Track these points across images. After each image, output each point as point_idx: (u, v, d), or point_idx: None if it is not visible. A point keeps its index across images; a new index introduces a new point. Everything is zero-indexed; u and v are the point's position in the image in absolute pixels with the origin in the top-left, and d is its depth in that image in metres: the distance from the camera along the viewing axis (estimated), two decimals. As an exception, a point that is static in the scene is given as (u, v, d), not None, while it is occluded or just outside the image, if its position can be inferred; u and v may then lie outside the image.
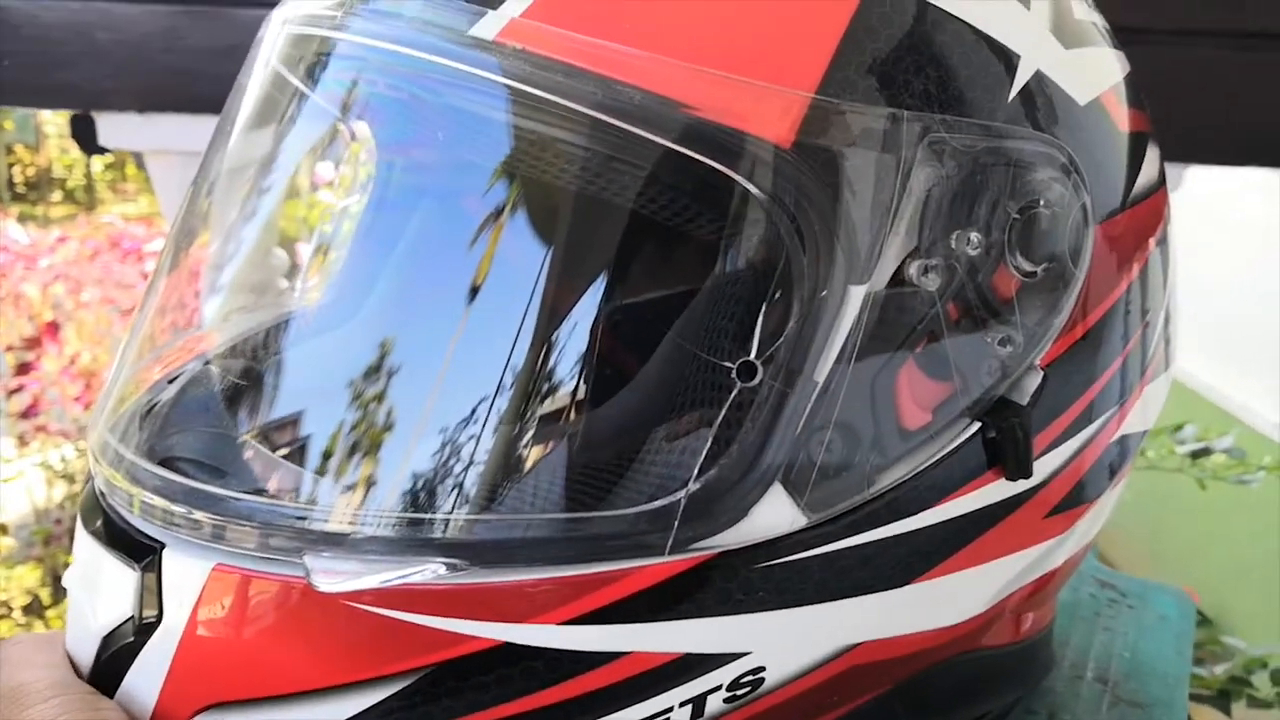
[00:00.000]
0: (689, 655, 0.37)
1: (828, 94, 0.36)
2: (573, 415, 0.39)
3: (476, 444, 0.38)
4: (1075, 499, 0.44)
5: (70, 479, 2.68)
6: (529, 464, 0.38)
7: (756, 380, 0.36)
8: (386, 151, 0.46)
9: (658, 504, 0.36)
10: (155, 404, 0.46)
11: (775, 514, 0.37)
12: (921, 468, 0.39)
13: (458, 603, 0.36)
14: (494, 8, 0.37)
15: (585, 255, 0.40)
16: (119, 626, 0.40)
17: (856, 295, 0.36)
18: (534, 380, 0.38)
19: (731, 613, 0.37)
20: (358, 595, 0.36)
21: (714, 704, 0.38)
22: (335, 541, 0.37)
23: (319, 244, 0.51)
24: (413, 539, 0.37)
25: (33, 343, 2.90)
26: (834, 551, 0.38)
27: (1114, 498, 0.48)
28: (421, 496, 0.38)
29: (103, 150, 1.07)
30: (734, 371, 0.36)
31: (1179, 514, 1.94)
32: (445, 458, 0.38)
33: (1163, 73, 0.93)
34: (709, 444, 0.36)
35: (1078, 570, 0.67)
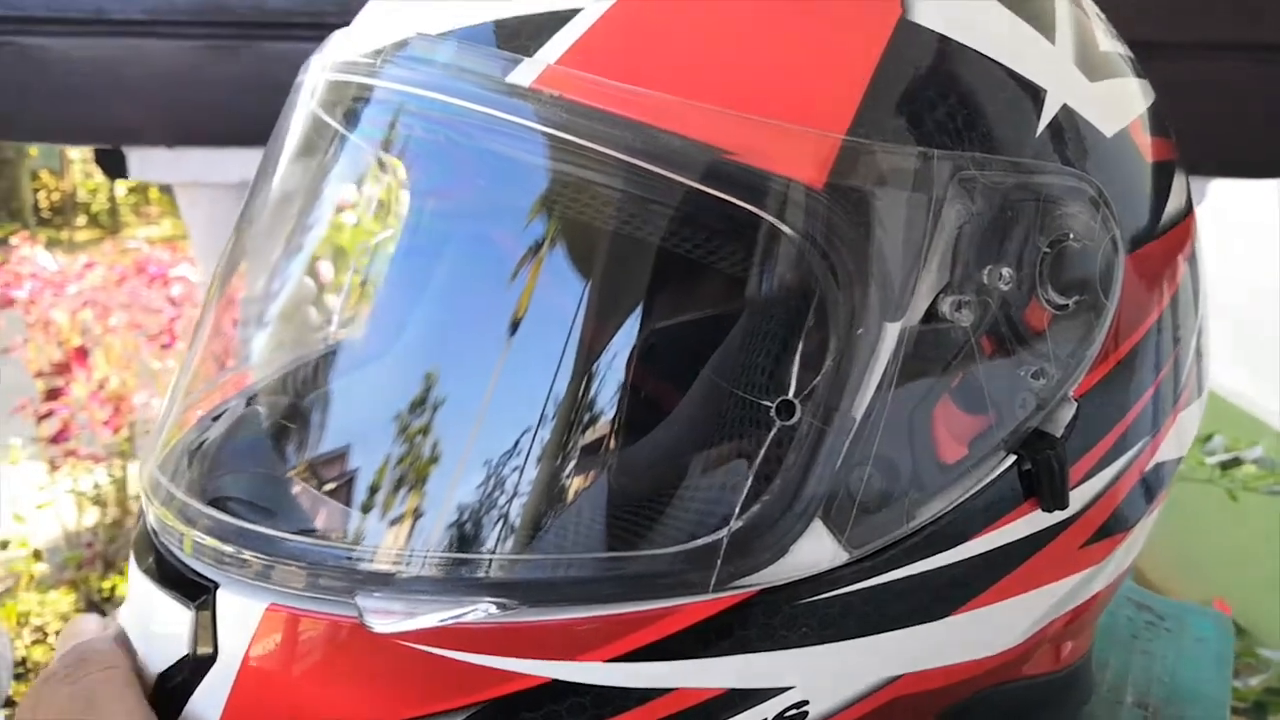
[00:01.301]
0: (733, 691, 0.38)
1: (858, 134, 0.36)
2: (613, 454, 0.39)
3: (520, 484, 0.39)
4: (1111, 528, 0.44)
5: (103, 504, 2.70)
6: (572, 503, 0.39)
7: (795, 418, 0.36)
8: (423, 194, 0.47)
9: (700, 542, 0.36)
10: (203, 442, 0.47)
11: (817, 550, 0.37)
12: (959, 501, 0.39)
13: (506, 641, 0.37)
14: (529, 55, 0.38)
15: (621, 296, 0.40)
16: (175, 664, 0.41)
17: (892, 332, 0.37)
18: (575, 420, 0.39)
19: (775, 648, 0.38)
20: (408, 634, 0.37)
21: (759, 738, 0.39)
22: (384, 581, 0.38)
23: (356, 281, 0.52)
24: (460, 578, 0.38)
25: (61, 368, 2.93)
26: (875, 586, 0.38)
27: (1149, 524, 0.48)
28: (468, 537, 0.38)
29: (122, 175, 1.09)
30: (773, 410, 0.36)
31: (1210, 525, 1.92)
32: (491, 498, 0.39)
33: (1182, 87, 0.93)
34: (750, 481, 0.36)
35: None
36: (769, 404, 0.36)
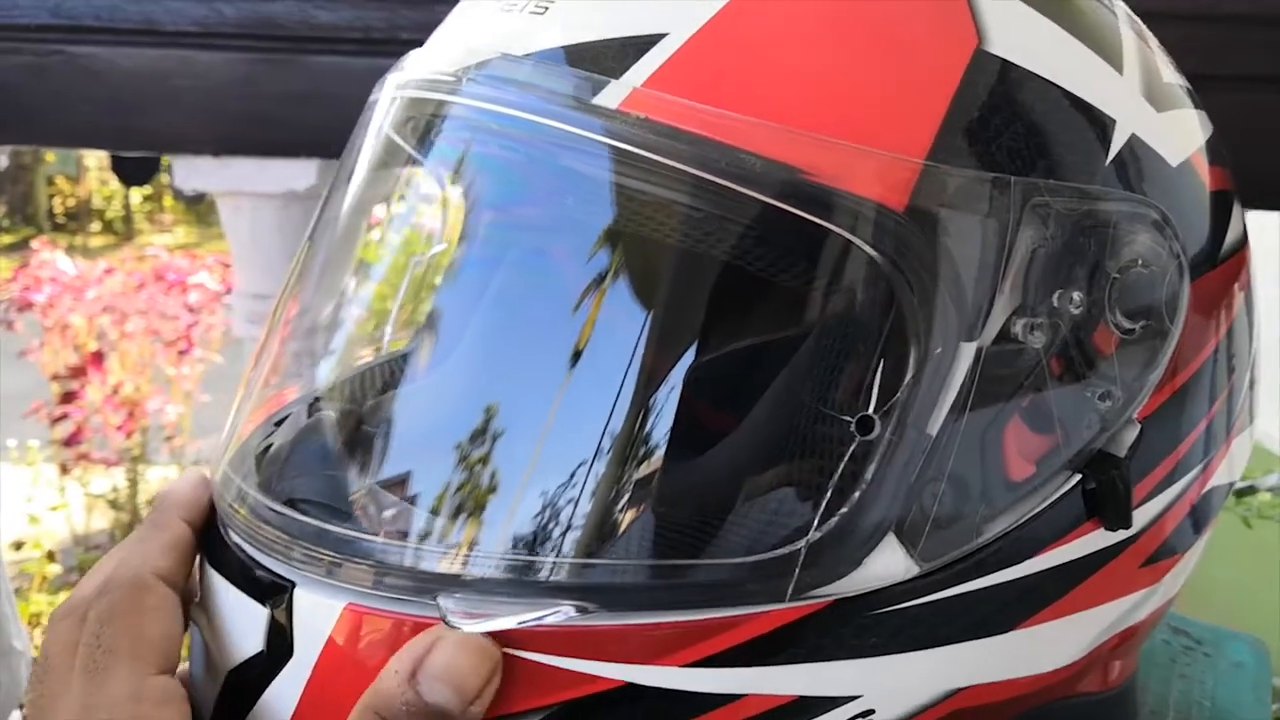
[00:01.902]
0: (804, 698, 0.39)
1: (937, 159, 0.38)
2: (690, 463, 0.40)
3: (598, 491, 0.40)
4: (1167, 550, 0.45)
5: (119, 507, 2.71)
6: (649, 510, 0.40)
7: (874, 434, 0.37)
8: (496, 212, 0.48)
9: (779, 553, 0.37)
10: (271, 445, 0.48)
11: (889, 563, 0.38)
12: (1025, 518, 0.40)
13: (583, 643, 0.38)
14: (616, 77, 0.39)
15: (698, 309, 0.41)
16: (248, 660, 0.41)
17: (968, 352, 0.38)
18: (649, 427, 0.40)
19: (845, 657, 0.39)
20: (490, 635, 0.37)
21: (825, 745, 0.40)
22: (462, 583, 0.39)
23: (421, 295, 0.53)
24: (540, 582, 0.38)
25: (77, 372, 2.94)
26: (943, 599, 0.39)
27: (1200, 550, 0.49)
28: (547, 541, 0.39)
29: (142, 182, 1.10)
30: (853, 425, 0.37)
31: (1229, 557, 1.92)
32: (569, 503, 0.40)
33: (1220, 120, 0.94)
34: (828, 495, 0.37)
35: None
36: (849, 419, 0.37)
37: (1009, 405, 0.39)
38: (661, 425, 0.40)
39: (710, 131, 0.37)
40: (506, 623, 0.37)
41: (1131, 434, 0.42)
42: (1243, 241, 0.47)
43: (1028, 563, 0.41)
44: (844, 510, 0.37)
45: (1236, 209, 0.47)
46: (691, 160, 0.37)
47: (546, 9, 0.41)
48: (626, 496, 0.40)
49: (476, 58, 0.42)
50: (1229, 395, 0.46)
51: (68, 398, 2.89)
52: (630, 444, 0.40)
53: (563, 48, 0.41)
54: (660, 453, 0.40)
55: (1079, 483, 0.41)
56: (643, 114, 0.38)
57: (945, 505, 0.38)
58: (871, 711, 0.40)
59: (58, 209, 6.66)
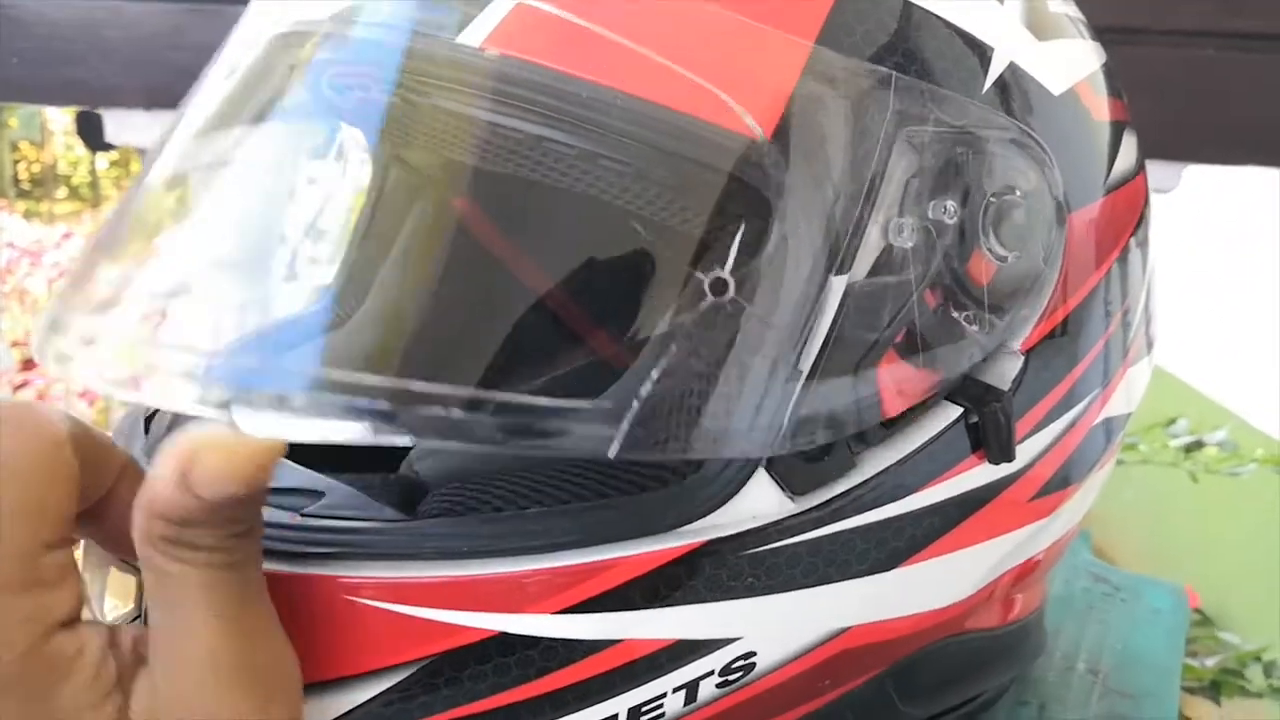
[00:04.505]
0: (681, 641, 0.38)
1: (804, 89, 0.37)
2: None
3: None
4: (1060, 481, 0.45)
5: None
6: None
7: (726, 296, 0.36)
8: (370, 150, 0.47)
9: (606, 404, 0.35)
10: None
11: (762, 500, 0.38)
12: (905, 454, 0.40)
13: (454, 595, 0.37)
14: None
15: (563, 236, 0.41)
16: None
17: (839, 285, 0.37)
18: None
19: (722, 599, 0.38)
20: (356, 589, 0.37)
21: (706, 689, 0.39)
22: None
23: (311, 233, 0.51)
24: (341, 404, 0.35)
25: (39, 340, 2.91)
26: (821, 537, 0.39)
27: (1100, 480, 0.49)
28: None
29: (108, 147, 1.08)
30: (707, 283, 0.36)
31: (1178, 512, 1.95)
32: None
33: (1162, 73, 0.93)
34: (671, 352, 0.35)
35: (1073, 565, 0.68)
36: (703, 278, 0.36)
37: (883, 339, 0.38)
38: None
39: (571, 67, 0.36)
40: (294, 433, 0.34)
41: (1014, 366, 0.41)
42: (1136, 171, 0.47)
43: (910, 499, 0.40)
44: (685, 379, 0.35)
45: (1129, 140, 0.46)
46: (553, 94, 0.36)
47: None
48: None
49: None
50: (1122, 323, 0.46)
51: (29, 365, 2.87)
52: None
53: None
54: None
55: (962, 416, 0.41)
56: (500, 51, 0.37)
57: (818, 440, 0.38)
58: (753, 653, 0.39)
59: (22, 175, 6.56)
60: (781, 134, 0.36)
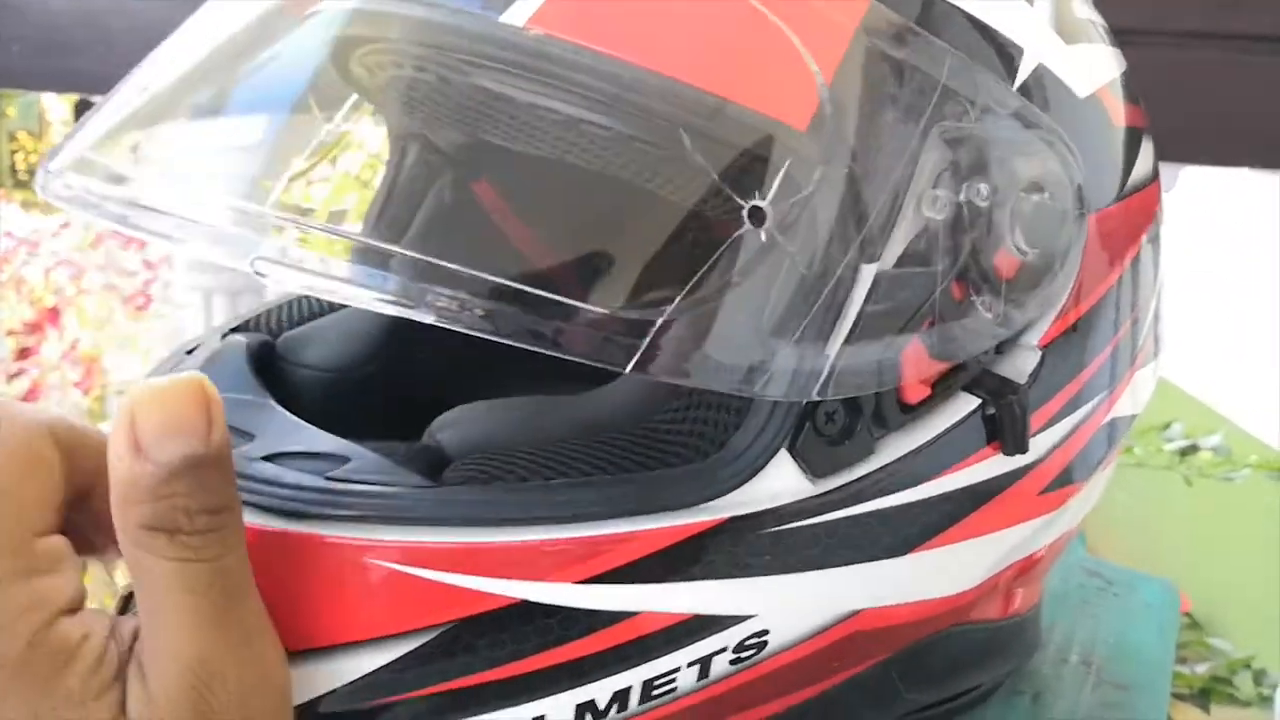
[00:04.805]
0: (697, 616, 0.39)
1: (841, 82, 0.37)
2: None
3: None
4: (1067, 477, 0.46)
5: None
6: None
7: (764, 225, 0.36)
8: (407, 128, 0.48)
9: (635, 315, 0.35)
10: None
11: (783, 481, 0.39)
12: (923, 441, 0.41)
13: (476, 561, 0.38)
14: None
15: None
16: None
17: (867, 274, 0.38)
18: None
19: (739, 576, 0.39)
20: (379, 552, 0.37)
21: (719, 665, 0.40)
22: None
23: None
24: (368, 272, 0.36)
25: (34, 327, 2.90)
26: (838, 519, 0.40)
27: (1103, 480, 0.50)
28: None
29: None
30: (745, 211, 0.35)
31: (1171, 515, 1.96)
32: None
33: (1163, 74, 0.94)
34: (703, 270, 0.35)
35: (1067, 563, 0.69)
36: (743, 205, 0.36)
37: (907, 328, 0.39)
38: None
39: (614, 48, 0.37)
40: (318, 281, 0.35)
41: (1032, 360, 0.42)
42: (1151, 178, 0.48)
43: (926, 485, 0.41)
44: (711, 300, 0.35)
45: (1146, 146, 0.48)
46: (594, 74, 0.37)
47: None
48: None
49: None
50: (1133, 326, 0.47)
51: (24, 354, 2.86)
52: None
53: None
54: None
55: (979, 407, 0.42)
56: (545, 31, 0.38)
57: (837, 424, 0.39)
58: (766, 631, 0.40)
59: (20, 165, 6.54)
60: (838, 85, 0.37)
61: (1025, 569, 0.48)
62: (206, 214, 0.37)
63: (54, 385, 2.87)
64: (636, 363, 0.34)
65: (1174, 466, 1.46)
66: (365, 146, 0.51)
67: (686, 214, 0.37)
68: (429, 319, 0.34)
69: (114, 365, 2.90)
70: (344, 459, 0.41)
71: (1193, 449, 1.46)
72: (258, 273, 0.34)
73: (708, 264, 0.35)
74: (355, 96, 0.47)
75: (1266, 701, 1.29)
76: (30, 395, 2.79)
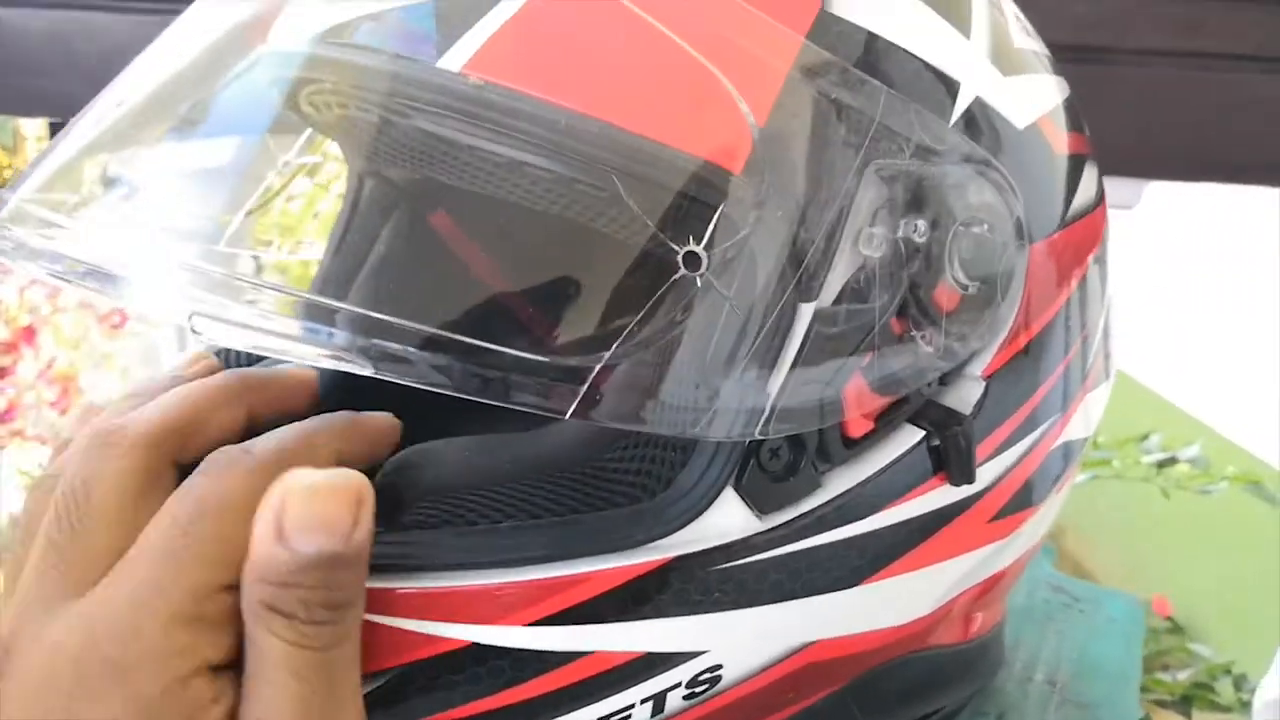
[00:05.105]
0: (650, 654, 0.39)
1: (775, 124, 0.38)
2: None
3: None
4: (1019, 504, 0.46)
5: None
6: None
7: (700, 270, 0.36)
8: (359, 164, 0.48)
9: (574, 361, 0.35)
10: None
11: (730, 518, 0.39)
12: (869, 474, 0.41)
13: (427, 605, 0.38)
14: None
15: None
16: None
17: (806, 312, 0.38)
18: None
19: (689, 613, 0.39)
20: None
21: (674, 701, 0.40)
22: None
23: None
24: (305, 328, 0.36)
25: (9, 347, 2.88)
26: (787, 554, 0.40)
27: (1058, 502, 0.50)
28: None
29: None
30: (680, 255, 0.36)
31: (1150, 526, 1.97)
32: None
33: (1123, 92, 0.96)
34: (639, 318, 0.36)
35: (1033, 578, 0.69)
36: (679, 249, 0.36)
37: (848, 364, 0.39)
38: None
39: (551, 94, 0.37)
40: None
41: (976, 391, 0.42)
42: (1095, 203, 0.48)
43: (873, 518, 0.41)
44: (649, 345, 0.36)
45: (1090, 172, 0.48)
46: (533, 120, 0.37)
47: None
48: None
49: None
50: (1082, 350, 0.47)
51: (0, 374, 2.84)
52: None
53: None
54: None
55: (923, 439, 0.42)
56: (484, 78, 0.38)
57: (781, 461, 0.39)
58: (719, 666, 0.40)
59: (-7, 182, 6.50)
60: (772, 127, 0.37)
61: (983, 592, 0.48)
62: (141, 268, 0.37)
63: (30, 404, 2.85)
64: (575, 409, 0.34)
65: (1151, 478, 1.46)
66: (318, 180, 0.51)
67: (624, 259, 0.38)
68: (370, 372, 0.34)
69: (90, 384, 2.88)
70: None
71: (1171, 461, 1.47)
72: (194, 329, 0.34)
73: (644, 309, 0.35)
74: (307, 133, 0.48)
75: (1246, 707, 1.30)
76: (6, 415, 2.77)
